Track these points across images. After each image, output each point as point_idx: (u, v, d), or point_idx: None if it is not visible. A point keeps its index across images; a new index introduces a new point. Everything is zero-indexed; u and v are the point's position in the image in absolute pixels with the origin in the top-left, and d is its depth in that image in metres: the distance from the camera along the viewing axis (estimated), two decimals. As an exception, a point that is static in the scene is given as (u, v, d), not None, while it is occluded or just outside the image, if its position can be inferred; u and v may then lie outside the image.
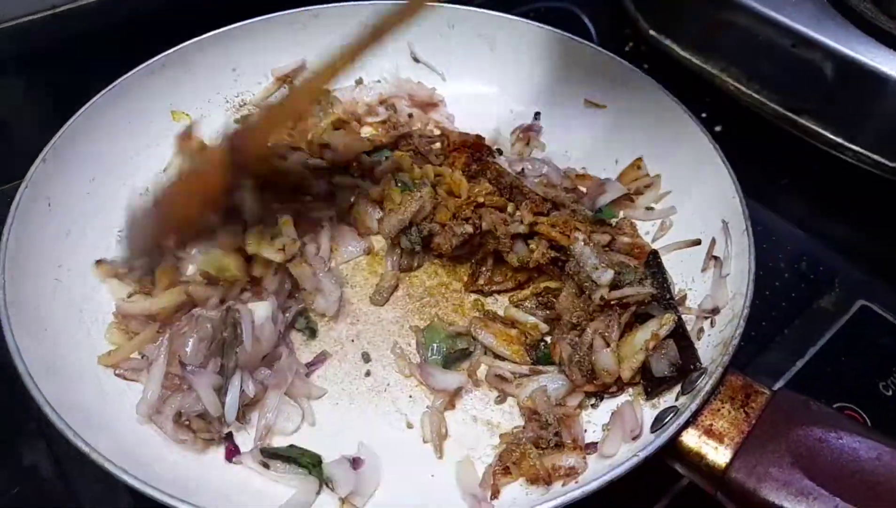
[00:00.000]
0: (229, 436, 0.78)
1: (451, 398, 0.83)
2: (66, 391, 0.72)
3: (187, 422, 0.75)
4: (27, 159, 0.87)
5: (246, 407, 0.79)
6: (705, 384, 0.72)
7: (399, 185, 0.95)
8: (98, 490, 0.78)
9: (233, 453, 0.77)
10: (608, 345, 0.80)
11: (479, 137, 1.04)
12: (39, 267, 0.83)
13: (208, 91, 1.08)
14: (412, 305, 0.92)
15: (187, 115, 1.06)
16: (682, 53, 1.23)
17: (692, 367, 0.78)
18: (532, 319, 0.87)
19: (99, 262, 0.88)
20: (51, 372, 0.73)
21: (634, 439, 0.76)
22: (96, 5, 1.12)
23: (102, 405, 0.76)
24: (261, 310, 0.81)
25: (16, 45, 1.06)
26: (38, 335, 0.77)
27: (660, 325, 0.80)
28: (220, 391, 0.76)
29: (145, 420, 0.76)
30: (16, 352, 0.72)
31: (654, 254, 0.90)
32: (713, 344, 0.80)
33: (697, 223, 0.94)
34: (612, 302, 0.81)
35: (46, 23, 1.09)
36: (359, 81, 1.15)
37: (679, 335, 0.80)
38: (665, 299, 0.84)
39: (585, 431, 0.80)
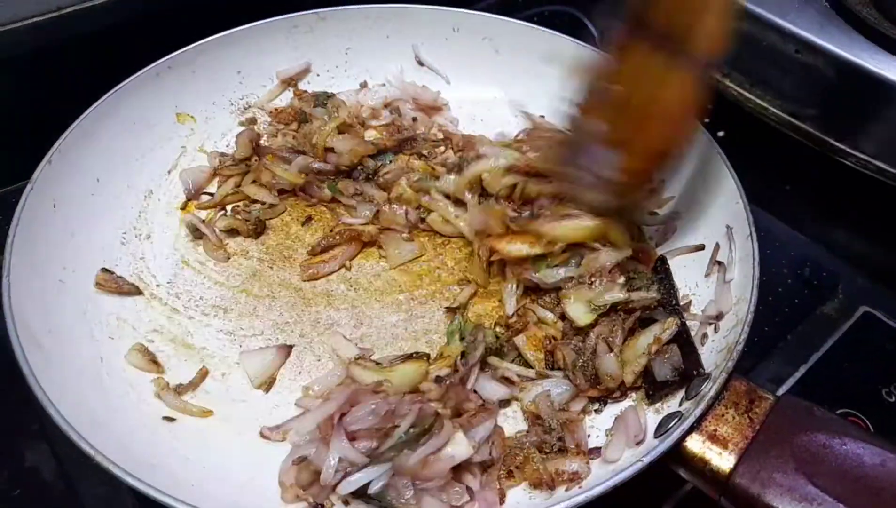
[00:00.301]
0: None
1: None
2: (69, 393, 0.72)
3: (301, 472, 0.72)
4: (33, 161, 0.87)
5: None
6: (709, 389, 0.72)
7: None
8: (101, 492, 0.78)
9: None
10: (612, 350, 0.80)
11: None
12: (44, 268, 0.84)
13: (213, 93, 1.08)
14: (416, 309, 0.92)
15: (192, 117, 1.06)
16: (686, 59, 1.23)
17: (695, 372, 0.78)
18: (551, 315, 0.87)
19: (104, 270, 0.89)
20: (54, 374, 0.73)
21: (638, 444, 0.76)
22: (102, 7, 1.12)
23: (106, 406, 0.76)
24: (459, 448, 0.71)
25: (21, 46, 1.06)
26: (42, 336, 0.77)
27: (663, 329, 0.80)
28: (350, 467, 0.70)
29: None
30: (20, 353, 0.72)
31: (662, 260, 0.90)
32: (717, 350, 0.80)
33: (701, 228, 0.94)
34: (619, 306, 0.82)
35: (52, 24, 1.08)
36: (363, 85, 1.15)
37: (682, 340, 0.80)
38: (671, 304, 0.84)
39: (589, 436, 0.80)
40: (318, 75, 1.15)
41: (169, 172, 1.02)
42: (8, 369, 0.72)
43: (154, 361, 0.84)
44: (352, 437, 0.71)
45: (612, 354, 0.80)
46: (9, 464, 0.81)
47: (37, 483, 0.80)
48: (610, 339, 0.81)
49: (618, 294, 0.82)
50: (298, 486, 0.72)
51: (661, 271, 0.88)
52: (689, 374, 0.78)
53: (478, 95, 1.15)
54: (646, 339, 0.80)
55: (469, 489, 0.72)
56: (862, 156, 1.08)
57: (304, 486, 0.72)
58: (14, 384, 0.71)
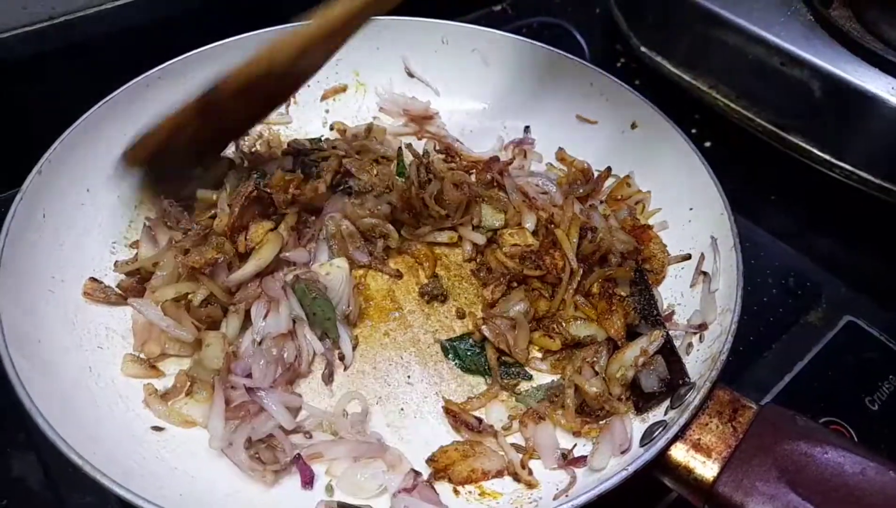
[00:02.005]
0: (299, 459, 0.76)
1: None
2: (58, 402, 0.72)
3: (257, 454, 0.75)
4: (23, 170, 0.87)
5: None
6: (694, 398, 0.73)
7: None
8: (89, 502, 0.78)
9: (309, 476, 0.75)
10: (597, 374, 0.81)
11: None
12: (33, 278, 0.84)
13: (203, 103, 1.08)
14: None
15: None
16: (673, 70, 1.25)
17: (680, 382, 0.78)
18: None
19: (92, 280, 0.89)
20: (43, 383, 0.73)
21: (623, 453, 0.76)
22: (94, 16, 1.12)
23: (94, 416, 0.76)
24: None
25: (12, 55, 1.06)
26: (31, 346, 0.77)
27: (649, 342, 0.81)
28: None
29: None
30: (8, 363, 0.72)
31: (640, 271, 0.91)
32: (702, 359, 0.81)
33: (687, 239, 0.95)
34: None
35: (43, 33, 1.09)
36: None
37: (667, 350, 0.81)
38: (653, 316, 0.85)
39: (575, 445, 0.80)
40: (308, 86, 1.15)
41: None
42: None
43: (152, 366, 0.84)
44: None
45: (596, 378, 0.81)
46: (-4, 474, 0.81)
47: (24, 493, 0.80)
48: (593, 361, 0.82)
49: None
50: (272, 465, 0.74)
51: (640, 283, 0.89)
52: (675, 384, 0.79)
53: (467, 106, 1.16)
54: (632, 352, 0.81)
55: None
56: (846, 167, 1.09)
57: (270, 461, 0.74)
58: (2, 393, 0.71)
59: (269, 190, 0.94)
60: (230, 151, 1.08)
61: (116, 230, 0.96)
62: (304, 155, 1.00)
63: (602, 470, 0.75)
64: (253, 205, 0.91)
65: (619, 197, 1.02)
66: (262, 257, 0.87)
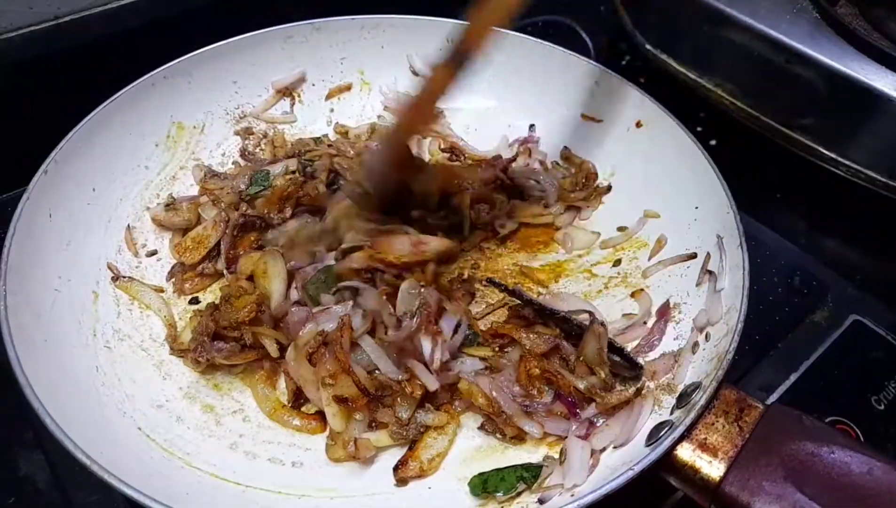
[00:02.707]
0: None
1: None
2: (65, 402, 0.73)
3: None
4: (29, 169, 0.88)
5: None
6: (700, 398, 0.72)
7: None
8: (95, 501, 0.78)
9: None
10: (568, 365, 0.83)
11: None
12: (40, 278, 0.84)
13: (209, 103, 1.09)
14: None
15: (188, 126, 1.07)
16: (679, 68, 1.24)
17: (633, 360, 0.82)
18: None
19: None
20: (50, 383, 0.73)
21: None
22: (99, 16, 1.12)
23: (101, 416, 0.77)
24: None
25: (19, 55, 1.06)
26: (38, 345, 0.77)
27: (596, 333, 0.81)
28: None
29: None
30: (15, 362, 0.72)
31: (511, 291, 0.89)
32: (708, 358, 0.80)
33: (692, 238, 0.95)
34: None
35: (49, 33, 1.09)
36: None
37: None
38: (554, 314, 0.85)
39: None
40: (312, 85, 1.16)
41: (158, 173, 1.02)
42: (3, 377, 0.72)
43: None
44: None
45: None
46: (3, 473, 0.81)
47: (31, 492, 0.80)
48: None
49: None
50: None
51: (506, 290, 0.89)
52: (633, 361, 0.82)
53: (472, 105, 1.16)
54: (593, 346, 0.81)
55: None
56: (852, 165, 1.09)
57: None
58: (9, 392, 0.72)
59: (257, 215, 0.94)
60: (236, 151, 1.09)
61: (122, 229, 0.96)
62: (300, 155, 1.00)
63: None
64: (245, 231, 0.93)
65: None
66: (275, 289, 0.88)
